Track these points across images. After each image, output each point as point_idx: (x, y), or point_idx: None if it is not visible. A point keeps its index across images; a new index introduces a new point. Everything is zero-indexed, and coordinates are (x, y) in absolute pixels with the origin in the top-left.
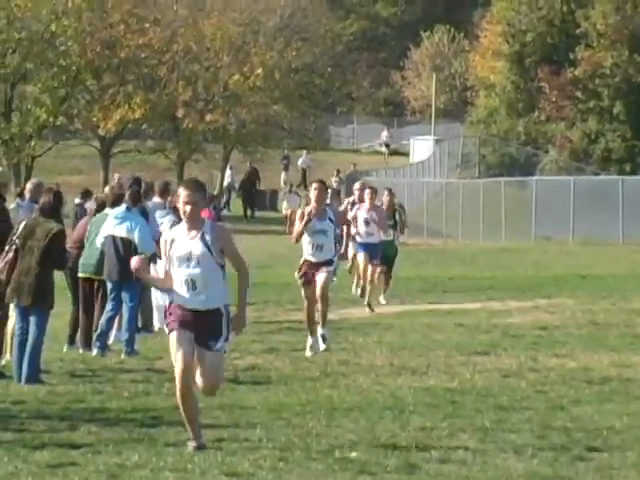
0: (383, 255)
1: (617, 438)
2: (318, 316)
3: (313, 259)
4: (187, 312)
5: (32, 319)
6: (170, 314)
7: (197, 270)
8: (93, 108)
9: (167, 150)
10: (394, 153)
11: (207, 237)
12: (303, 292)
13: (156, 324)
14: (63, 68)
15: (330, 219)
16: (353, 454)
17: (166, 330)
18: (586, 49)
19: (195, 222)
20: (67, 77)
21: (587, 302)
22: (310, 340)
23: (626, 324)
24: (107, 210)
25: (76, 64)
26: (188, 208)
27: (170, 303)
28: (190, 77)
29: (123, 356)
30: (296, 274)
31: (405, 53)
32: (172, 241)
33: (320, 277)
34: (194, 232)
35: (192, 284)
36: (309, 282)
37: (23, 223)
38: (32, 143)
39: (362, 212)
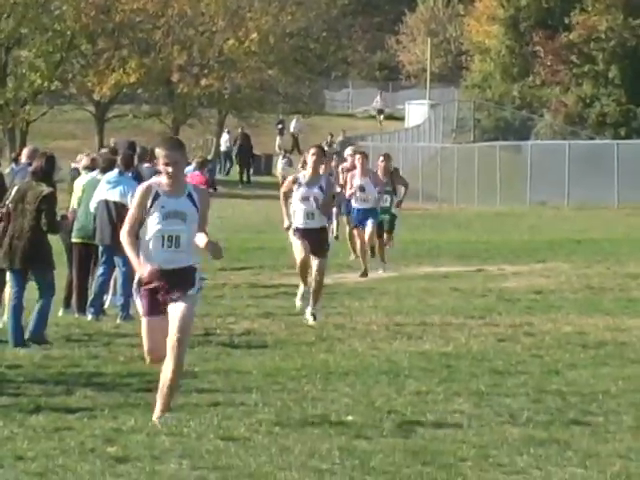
0: (381, 221)
1: (612, 402)
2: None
3: (305, 226)
4: (160, 276)
5: (36, 282)
6: (142, 291)
7: (183, 227)
8: (88, 73)
9: (162, 115)
10: (389, 117)
11: (194, 196)
12: (298, 245)
13: None
14: (58, 33)
15: (321, 187)
16: (349, 418)
17: (137, 303)
18: (581, 13)
19: (179, 182)
20: (62, 42)
21: (582, 266)
22: (301, 289)
23: (621, 288)
24: (98, 175)
25: (71, 29)
26: (170, 169)
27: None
28: (185, 42)
29: (118, 320)
30: (291, 235)
31: (400, 17)
32: (156, 195)
33: (315, 262)
34: (179, 192)
35: (176, 241)
36: (303, 239)
37: (16, 187)
38: (27, 108)
39: (356, 179)
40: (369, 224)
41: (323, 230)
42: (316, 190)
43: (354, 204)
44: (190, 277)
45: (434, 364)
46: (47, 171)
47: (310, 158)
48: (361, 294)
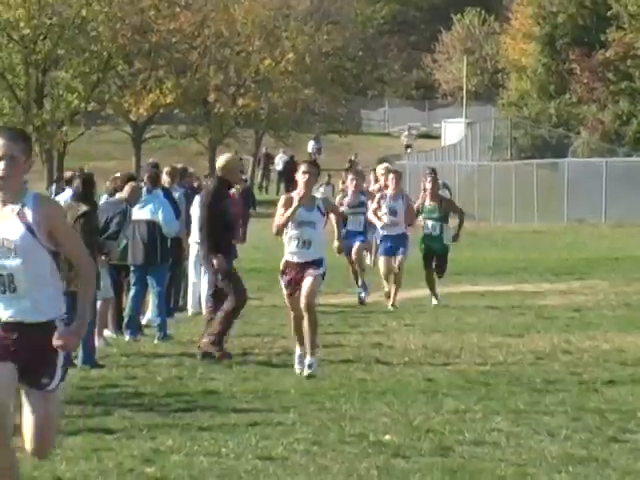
0: (430, 251)
1: None
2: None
3: (298, 258)
4: (5, 328)
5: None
6: None
7: (15, 262)
8: (125, 93)
9: (199, 135)
10: (425, 136)
11: (28, 213)
12: (288, 303)
13: (190, 308)
14: (94, 53)
15: (319, 208)
16: (387, 437)
17: None
18: (617, 31)
19: (10, 189)
20: (98, 62)
21: (620, 284)
22: (298, 351)
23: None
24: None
25: (107, 49)
26: (2, 164)
27: None
28: (221, 62)
29: (156, 341)
30: (280, 281)
31: (436, 36)
32: None
33: (306, 283)
34: (9, 205)
35: (8, 283)
36: (295, 289)
37: None
38: (64, 129)
39: (387, 200)
40: (400, 254)
41: (318, 262)
42: (315, 212)
43: (382, 231)
44: (46, 348)
45: (472, 382)
46: (86, 191)
47: (301, 175)
48: (398, 313)
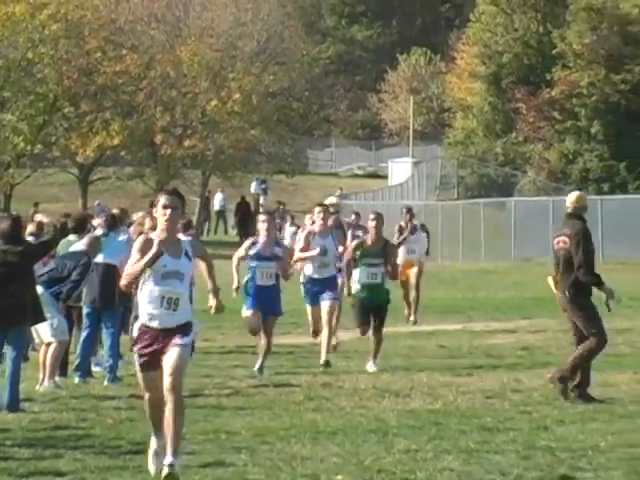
0: (370, 304)
1: (602, 457)
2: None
3: (160, 323)
4: None
5: (13, 343)
6: None
7: None
8: (71, 135)
9: (145, 176)
10: (372, 176)
11: None
12: (141, 382)
13: None
14: (40, 96)
15: (187, 254)
16: (338, 477)
17: None
18: (562, 69)
19: None
20: (44, 105)
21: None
22: (154, 443)
23: (608, 343)
24: (72, 237)
25: (53, 91)
26: None
27: None
28: (168, 103)
29: (106, 382)
30: (134, 349)
31: (382, 76)
32: None
33: (170, 357)
34: None
35: None
36: (154, 363)
37: None
38: (10, 171)
39: (316, 239)
40: (328, 298)
41: (186, 328)
42: (183, 260)
43: (312, 274)
44: None
45: (422, 422)
46: (15, 233)
47: (161, 216)
48: (347, 353)
